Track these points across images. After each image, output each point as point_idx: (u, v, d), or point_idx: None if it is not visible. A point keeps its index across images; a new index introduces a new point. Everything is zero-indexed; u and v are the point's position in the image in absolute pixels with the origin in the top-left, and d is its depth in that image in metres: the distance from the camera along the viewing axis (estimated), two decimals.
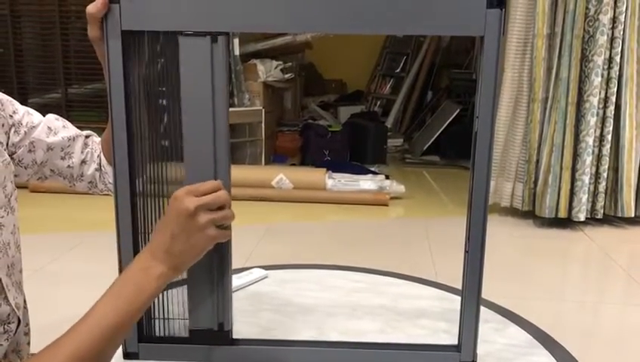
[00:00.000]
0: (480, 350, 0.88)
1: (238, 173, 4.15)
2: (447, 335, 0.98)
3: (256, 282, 1.19)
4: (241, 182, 4.07)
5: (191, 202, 0.75)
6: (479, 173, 0.76)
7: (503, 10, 0.69)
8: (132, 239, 0.83)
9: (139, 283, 0.74)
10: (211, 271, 0.85)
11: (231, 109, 4.73)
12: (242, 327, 0.99)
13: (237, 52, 4.82)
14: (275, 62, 5.18)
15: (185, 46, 0.77)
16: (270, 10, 0.74)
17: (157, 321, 0.88)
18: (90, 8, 0.76)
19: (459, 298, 1.12)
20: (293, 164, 5.21)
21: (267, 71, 5.05)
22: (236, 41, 4.81)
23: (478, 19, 0.70)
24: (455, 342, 0.89)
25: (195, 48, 0.77)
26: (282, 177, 4.15)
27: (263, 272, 1.22)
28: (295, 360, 0.89)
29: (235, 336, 0.92)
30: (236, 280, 1.17)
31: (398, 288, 1.17)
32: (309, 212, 3.97)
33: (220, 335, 0.87)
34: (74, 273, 2.83)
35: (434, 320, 1.04)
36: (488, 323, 1.03)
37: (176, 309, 0.88)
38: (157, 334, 0.88)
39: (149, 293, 0.75)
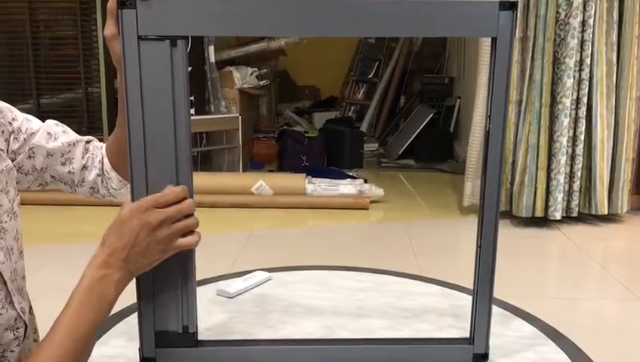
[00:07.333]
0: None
1: (217, 180, 4.18)
2: (454, 329, 1.01)
3: (260, 284, 1.20)
4: (220, 189, 4.06)
5: (153, 217, 0.76)
6: (492, 167, 0.79)
7: (515, 12, 0.72)
8: None
9: (100, 293, 0.76)
10: (175, 275, 0.85)
11: (208, 117, 4.73)
12: (254, 329, 1.00)
13: (212, 59, 4.82)
14: (250, 69, 5.19)
15: (145, 50, 0.77)
16: (291, 14, 0.76)
17: None
18: (111, 4, 0.77)
19: (462, 294, 1.16)
20: (271, 171, 5.21)
21: (242, 78, 5.05)
22: (211, 48, 4.81)
23: (491, 21, 0.73)
24: (464, 335, 0.91)
25: (155, 52, 0.77)
26: (262, 183, 4.15)
27: (266, 274, 1.22)
28: (308, 359, 0.90)
29: (247, 337, 0.93)
30: (241, 283, 1.18)
31: (401, 286, 1.19)
32: (290, 217, 3.97)
33: (185, 337, 0.87)
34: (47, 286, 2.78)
35: (440, 315, 1.06)
36: (493, 316, 1.05)
37: None
38: None
39: (110, 301, 0.77)
